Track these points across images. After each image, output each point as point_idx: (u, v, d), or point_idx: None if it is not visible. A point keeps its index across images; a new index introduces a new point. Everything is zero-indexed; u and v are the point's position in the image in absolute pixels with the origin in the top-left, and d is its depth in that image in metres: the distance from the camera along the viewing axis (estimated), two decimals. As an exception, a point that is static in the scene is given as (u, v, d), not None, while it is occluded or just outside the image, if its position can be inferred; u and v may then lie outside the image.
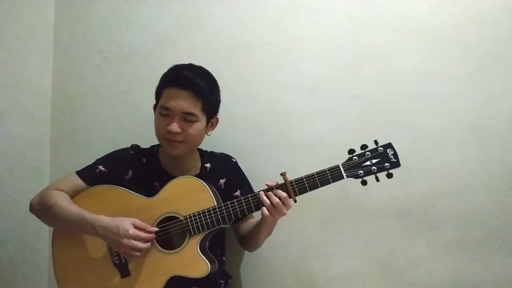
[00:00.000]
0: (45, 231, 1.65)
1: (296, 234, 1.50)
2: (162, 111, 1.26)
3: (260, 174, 1.47)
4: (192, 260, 1.20)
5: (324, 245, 1.50)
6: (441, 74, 1.44)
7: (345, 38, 1.51)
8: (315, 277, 1.49)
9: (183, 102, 1.24)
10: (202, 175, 1.35)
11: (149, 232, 1.20)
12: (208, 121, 1.31)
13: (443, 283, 1.42)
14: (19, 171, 1.58)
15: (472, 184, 1.41)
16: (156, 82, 1.31)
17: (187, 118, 1.25)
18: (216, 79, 1.33)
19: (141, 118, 1.59)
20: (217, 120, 1.37)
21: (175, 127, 1.24)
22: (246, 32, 1.59)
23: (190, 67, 1.31)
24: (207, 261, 1.19)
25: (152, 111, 1.32)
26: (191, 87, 1.24)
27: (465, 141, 1.42)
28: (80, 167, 1.34)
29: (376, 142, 1.19)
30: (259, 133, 1.56)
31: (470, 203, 1.41)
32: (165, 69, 1.31)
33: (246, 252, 1.53)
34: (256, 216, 1.33)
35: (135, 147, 1.40)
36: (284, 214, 1.20)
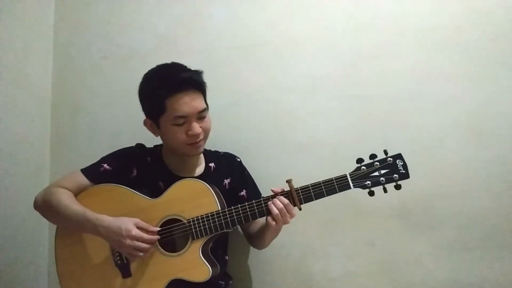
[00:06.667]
0: (45, 231, 1.65)
1: (297, 234, 1.50)
2: (178, 121, 1.22)
3: (260, 175, 1.48)
4: (194, 264, 1.19)
5: (325, 245, 1.50)
6: (441, 74, 1.44)
7: (345, 38, 1.51)
8: (315, 277, 1.49)
9: (195, 102, 1.22)
10: (206, 175, 1.35)
11: (151, 232, 1.20)
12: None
13: (443, 283, 1.42)
14: (19, 171, 1.58)
15: (472, 184, 1.41)
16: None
17: (201, 115, 1.25)
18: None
19: (141, 118, 1.59)
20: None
21: (197, 128, 1.23)
22: (246, 32, 1.59)
23: (174, 65, 1.28)
24: (208, 265, 1.18)
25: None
26: (193, 84, 1.23)
27: (465, 141, 1.42)
28: (80, 167, 1.33)
29: (385, 152, 1.16)
30: (259, 134, 1.56)
31: (470, 203, 1.41)
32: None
33: (247, 253, 1.53)
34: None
35: (140, 146, 1.40)
36: (287, 222, 1.18)
